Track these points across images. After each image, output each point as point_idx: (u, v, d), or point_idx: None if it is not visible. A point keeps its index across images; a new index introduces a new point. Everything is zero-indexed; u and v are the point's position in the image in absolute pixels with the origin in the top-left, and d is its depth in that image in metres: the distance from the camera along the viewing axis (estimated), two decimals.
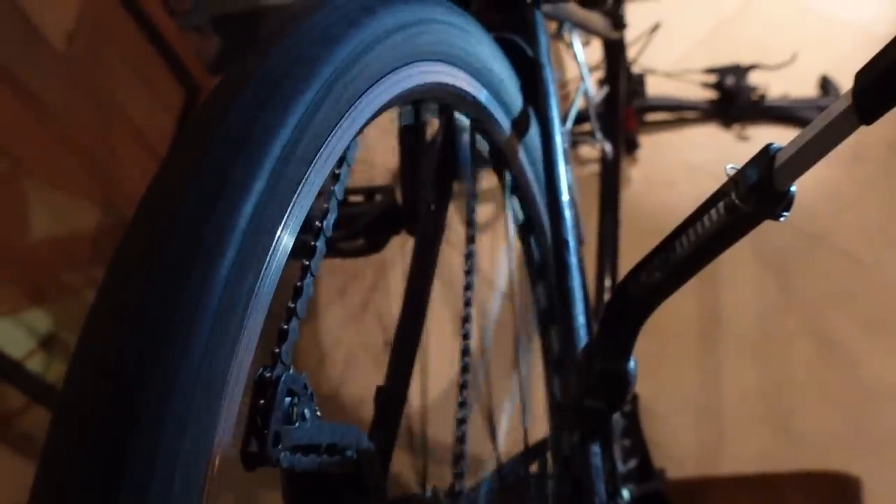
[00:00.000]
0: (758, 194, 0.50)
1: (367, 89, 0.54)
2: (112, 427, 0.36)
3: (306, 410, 0.48)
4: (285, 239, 0.46)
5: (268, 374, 0.45)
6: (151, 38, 2.16)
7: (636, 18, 1.95)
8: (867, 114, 0.44)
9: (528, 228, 0.98)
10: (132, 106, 2.04)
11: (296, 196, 0.47)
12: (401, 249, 1.02)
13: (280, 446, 0.45)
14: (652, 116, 2.02)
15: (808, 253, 1.70)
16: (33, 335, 1.64)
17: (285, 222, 0.46)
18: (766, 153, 0.50)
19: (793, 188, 0.50)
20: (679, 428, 1.56)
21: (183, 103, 2.30)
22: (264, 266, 0.44)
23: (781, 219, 0.51)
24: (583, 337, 0.75)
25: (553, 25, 1.46)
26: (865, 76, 0.44)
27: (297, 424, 0.47)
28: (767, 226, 0.52)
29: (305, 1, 0.53)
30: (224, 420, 0.40)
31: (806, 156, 0.48)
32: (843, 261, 1.67)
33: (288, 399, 0.46)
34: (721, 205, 0.52)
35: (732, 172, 0.52)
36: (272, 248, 0.44)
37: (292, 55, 0.48)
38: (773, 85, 1.95)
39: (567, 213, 0.80)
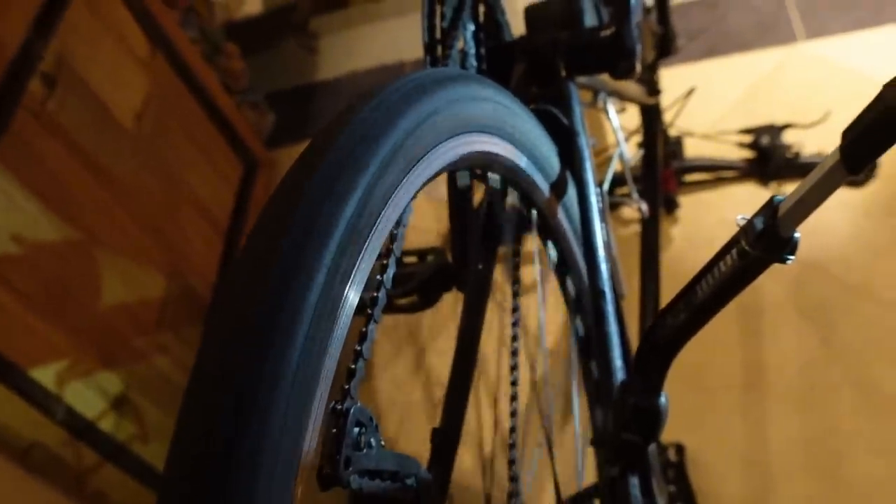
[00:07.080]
0: (765, 240, 0.57)
1: (421, 158, 0.61)
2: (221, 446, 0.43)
3: (372, 439, 0.55)
4: (352, 294, 0.52)
5: (339, 407, 0.52)
6: (212, 116, 2.28)
7: (672, 83, 2.02)
8: (853, 165, 0.51)
9: (575, 306, 1.03)
10: (195, 180, 2.15)
11: (361, 254, 0.54)
12: (451, 313, 1.10)
13: (350, 469, 0.51)
14: (691, 177, 2.07)
15: (848, 303, 1.72)
16: (105, 397, 1.71)
17: (353, 277, 0.53)
18: (771, 204, 0.56)
19: (796, 234, 0.57)
20: (726, 477, 1.58)
21: (241, 176, 2.41)
22: (337, 316, 0.51)
23: (788, 261, 0.57)
24: (619, 378, 0.81)
25: (589, 94, 1.54)
26: (850, 133, 0.51)
27: (364, 451, 0.53)
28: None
29: (371, 87, 0.62)
30: (308, 443, 0.48)
31: (805, 204, 0.54)
32: (884, 309, 1.69)
33: (357, 428, 0.53)
34: (734, 251, 0.59)
35: (743, 222, 0.59)
36: (342, 301, 0.51)
37: (358, 133, 0.57)
38: (808, 142, 1.99)
39: (603, 266, 0.86)
